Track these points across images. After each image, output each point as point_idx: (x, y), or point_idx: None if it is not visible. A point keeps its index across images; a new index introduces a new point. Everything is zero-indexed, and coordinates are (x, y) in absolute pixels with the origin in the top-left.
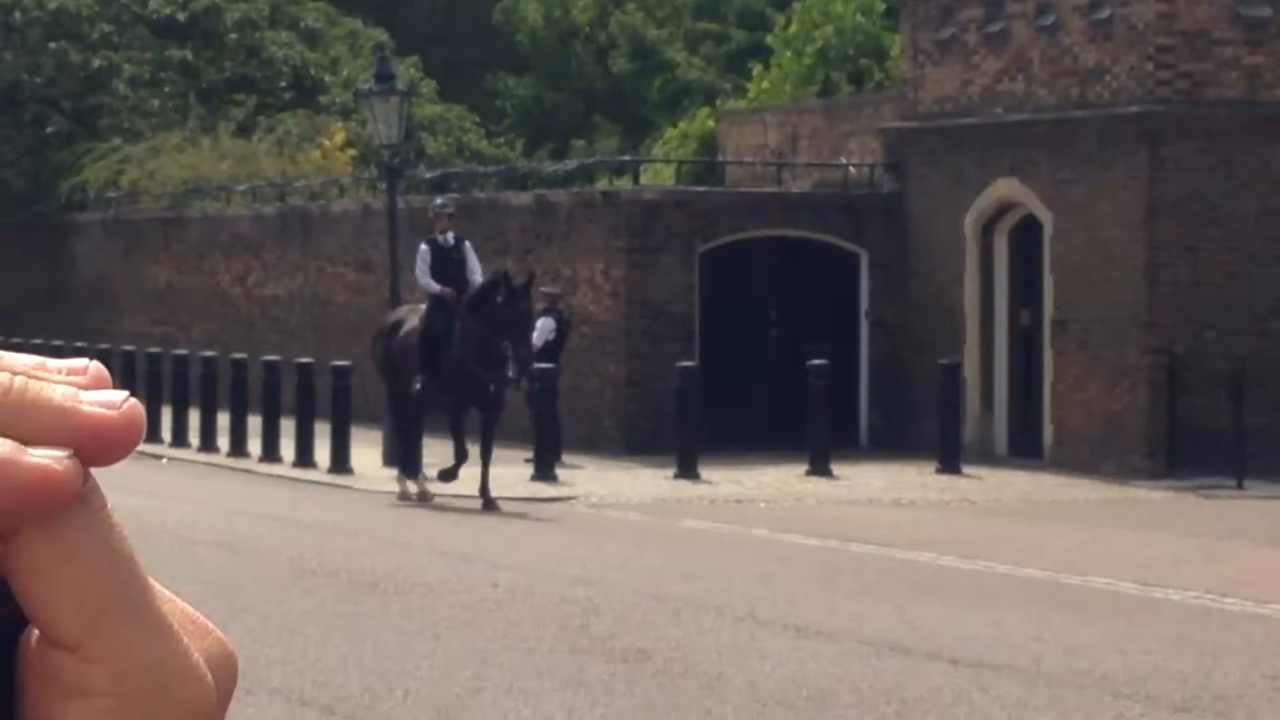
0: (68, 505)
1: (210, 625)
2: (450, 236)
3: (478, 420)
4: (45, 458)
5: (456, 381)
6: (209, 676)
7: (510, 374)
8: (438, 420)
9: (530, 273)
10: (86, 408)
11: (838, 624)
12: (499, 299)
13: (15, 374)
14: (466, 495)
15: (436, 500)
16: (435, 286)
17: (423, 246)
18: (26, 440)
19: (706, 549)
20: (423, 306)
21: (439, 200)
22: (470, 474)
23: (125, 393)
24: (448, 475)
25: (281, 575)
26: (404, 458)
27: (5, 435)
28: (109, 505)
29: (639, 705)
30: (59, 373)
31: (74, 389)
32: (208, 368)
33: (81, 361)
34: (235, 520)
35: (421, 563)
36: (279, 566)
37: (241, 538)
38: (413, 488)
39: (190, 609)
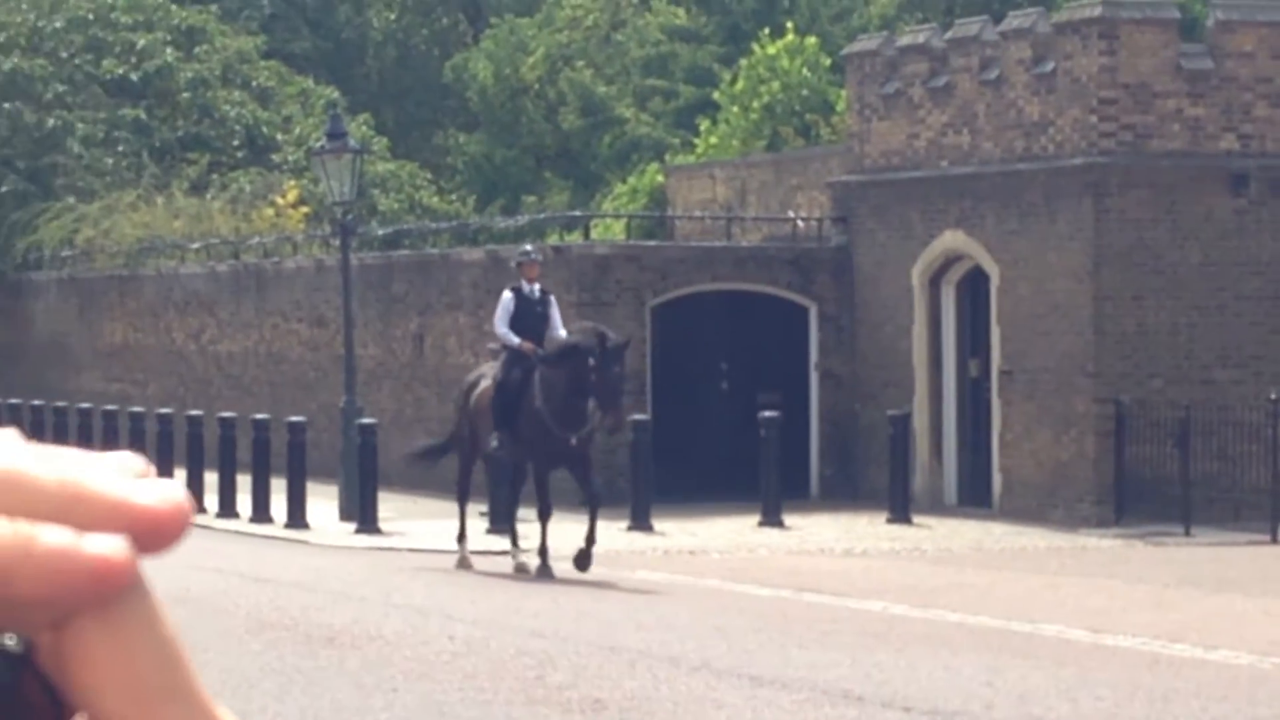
0: (123, 593)
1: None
2: (536, 287)
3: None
4: (104, 546)
5: (535, 438)
6: None
7: (589, 431)
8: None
9: (627, 338)
10: (140, 498)
11: (792, 673)
12: (591, 360)
13: (69, 466)
14: (434, 550)
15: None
16: (514, 339)
17: (506, 294)
18: (82, 529)
19: (661, 600)
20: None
21: (526, 247)
22: (457, 526)
23: (176, 483)
24: (542, 552)
25: (239, 630)
26: (460, 524)
27: (62, 524)
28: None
29: None
30: (109, 464)
31: (126, 480)
32: (164, 424)
33: (128, 455)
34: (192, 576)
35: (378, 616)
36: (236, 621)
37: (199, 593)
38: (518, 557)
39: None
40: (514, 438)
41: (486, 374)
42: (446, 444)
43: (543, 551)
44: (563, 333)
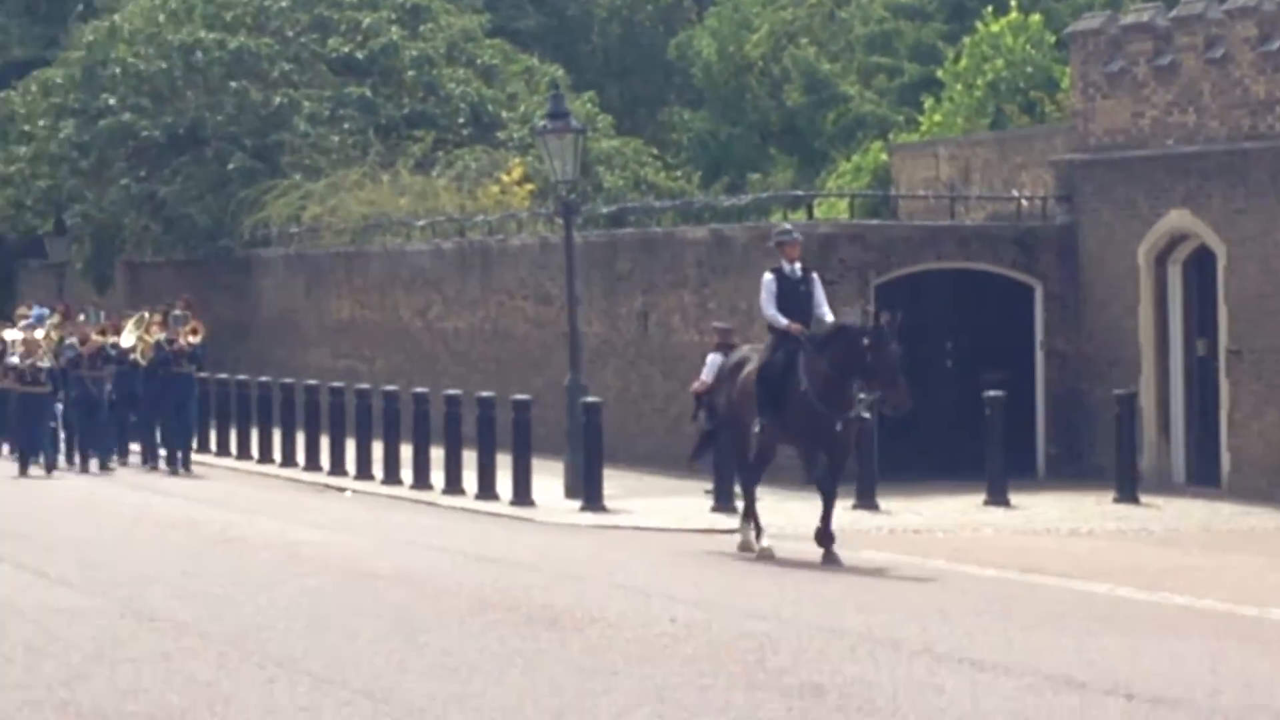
0: None
1: None
2: (797, 267)
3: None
4: None
5: (800, 421)
6: None
7: (855, 415)
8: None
9: (899, 314)
10: None
11: (1014, 658)
12: (866, 340)
13: None
14: (659, 529)
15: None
16: (781, 320)
17: (767, 276)
18: None
19: (883, 581)
20: (762, 346)
21: (785, 226)
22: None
23: None
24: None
25: (461, 611)
26: (745, 508)
27: None
28: None
29: None
30: None
31: None
32: (389, 401)
33: None
34: (416, 554)
35: (601, 597)
36: (459, 601)
37: (422, 572)
38: (756, 545)
39: None
40: (778, 422)
41: (751, 357)
42: (714, 431)
43: (827, 537)
44: (828, 313)
